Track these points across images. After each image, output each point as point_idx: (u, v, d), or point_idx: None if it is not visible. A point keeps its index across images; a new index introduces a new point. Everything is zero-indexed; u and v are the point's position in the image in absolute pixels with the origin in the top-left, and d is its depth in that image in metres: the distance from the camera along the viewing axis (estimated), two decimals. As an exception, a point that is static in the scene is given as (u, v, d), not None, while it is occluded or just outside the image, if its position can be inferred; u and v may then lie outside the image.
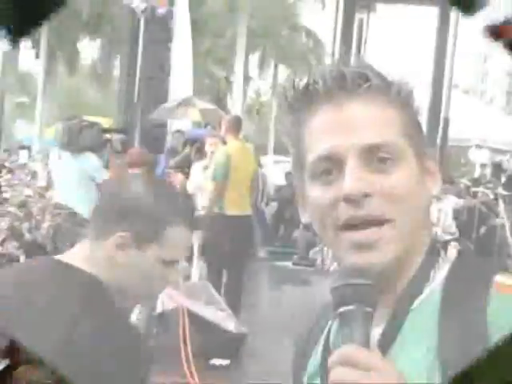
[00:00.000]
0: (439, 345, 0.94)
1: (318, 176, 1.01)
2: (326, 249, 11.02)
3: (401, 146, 1.00)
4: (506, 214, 10.44)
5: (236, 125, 7.04)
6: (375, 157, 0.98)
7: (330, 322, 1.11)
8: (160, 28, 11.80)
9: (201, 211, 6.89)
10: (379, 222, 0.98)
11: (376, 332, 0.97)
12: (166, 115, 11.85)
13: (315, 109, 1.01)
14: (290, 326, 7.50)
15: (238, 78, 27.53)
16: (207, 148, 7.62)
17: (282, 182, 14.43)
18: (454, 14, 13.79)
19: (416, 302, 1.00)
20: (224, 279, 7.04)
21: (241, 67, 27.18)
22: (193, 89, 16.18)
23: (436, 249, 1.05)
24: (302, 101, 1.03)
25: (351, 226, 0.98)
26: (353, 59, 1.04)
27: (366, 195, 0.96)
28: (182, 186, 6.24)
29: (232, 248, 6.71)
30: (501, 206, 10.20)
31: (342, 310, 0.88)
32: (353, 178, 0.96)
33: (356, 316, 0.87)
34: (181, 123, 13.11)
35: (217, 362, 5.73)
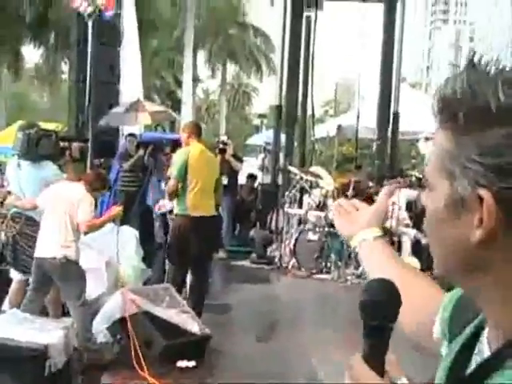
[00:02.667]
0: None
1: None
2: (283, 246, 11.10)
3: None
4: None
5: (197, 129, 7.17)
6: None
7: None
8: (108, 31, 11.70)
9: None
10: None
11: (485, 351, 0.97)
12: (116, 121, 11.75)
13: None
14: (253, 325, 7.57)
15: (186, 78, 27.44)
16: None
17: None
18: (399, 9, 14.04)
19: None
20: (188, 281, 7.06)
21: (189, 67, 27.09)
22: (143, 91, 16.10)
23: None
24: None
25: None
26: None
27: None
28: (117, 218, 6.32)
29: (197, 249, 6.73)
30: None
31: (371, 323, 0.95)
32: None
33: (375, 330, 0.94)
34: (132, 126, 13.03)
35: (183, 363, 5.74)
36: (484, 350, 0.98)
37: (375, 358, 0.92)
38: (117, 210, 6.26)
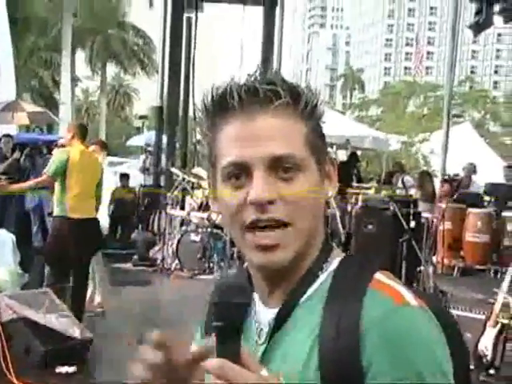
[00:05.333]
0: (320, 329, 1.07)
1: (228, 179, 1.12)
2: (165, 248, 11.05)
3: (304, 156, 1.11)
4: (335, 203, 10.97)
5: (81, 131, 7.04)
6: (280, 166, 1.09)
7: None
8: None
9: None
10: (282, 225, 1.09)
11: (271, 312, 1.15)
12: (-10, 121, 11.34)
13: (230, 117, 1.11)
14: (135, 328, 7.47)
15: (64, 79, 26.73)
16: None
17: (117, 184, 14.26)
18: (278, 13, 14.26)
19: (309, 290, 1.14)
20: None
21: (67, 67, 26.41)
22: (18, 91, 15.58)
23: (328, 245, 1.19)
24: (218, 108, 1.12)
25: (257, 226, 1.09)
26: (268, 73, 1.13)
27: (271, 202, 1.08)
28: None
29: (77, 252, 6.62)
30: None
31: (216, 324, 0.95)
32: (259, 186, 1.07)
33: (228, 331, 0.94)
34: (7, 127, 12.60)
35: (63, 369, 5.61)
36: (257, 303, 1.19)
37: (232, 359, 0.92)
38: None
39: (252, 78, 1.11)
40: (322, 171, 1.15)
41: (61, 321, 6.03)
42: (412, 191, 12.44)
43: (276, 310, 1.14)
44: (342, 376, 1.02)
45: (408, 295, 1.08)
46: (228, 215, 1.13)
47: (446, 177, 13.30)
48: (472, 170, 13.76)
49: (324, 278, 1.14)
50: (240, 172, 1.10)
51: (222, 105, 1.11)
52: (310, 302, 1.12)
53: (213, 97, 1.13)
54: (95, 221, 7.15)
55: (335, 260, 1.17)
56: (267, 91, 1.09)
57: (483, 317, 6.10)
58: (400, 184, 13.32)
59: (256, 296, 1.19)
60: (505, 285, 5.86)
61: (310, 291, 1.13)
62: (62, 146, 8.33)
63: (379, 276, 1.11)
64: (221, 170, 1.13)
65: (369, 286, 1.08)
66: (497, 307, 5.76)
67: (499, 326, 5.68)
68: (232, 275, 1.34)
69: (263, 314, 1.17)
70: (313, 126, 1.14)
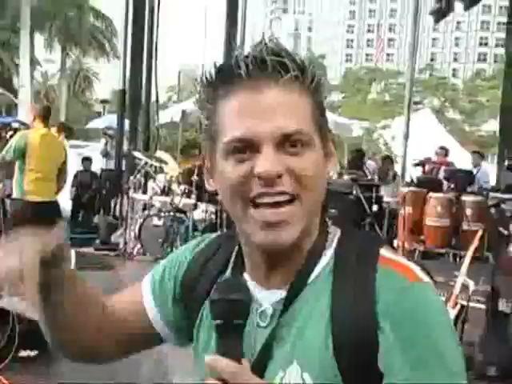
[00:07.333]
0: (332, 312, 1.06)
1: (231, 153, 1.07)
2: (128, 232, 10.98)
3: (311, 131, 1.08)
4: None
5: (44, 113, 6.95)
6: (288, 141, 1.05)
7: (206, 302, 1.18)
8: None
9: None
10: (289, 199, 1.06)
11: (273, 293, 1.12)
12: None
13: (235, 90, 1.06)
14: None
15: (23, 61, 26.31)
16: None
17: (79, 167, 14.12)
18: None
19: (316, 270, 1.11)
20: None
21: (26, 49, 25.99)
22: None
23: (326, 226, 1.16)
24: (223, 79, 1.08)
25: (262, 203, 1.05)
26: (273, 45, 1.07)
27: (279, 176, 1.04)
28: None
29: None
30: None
31: (216, 322, 0.95)
32: (268, 160, 1.03)
33: (228, 329, 0.95)
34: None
35: (25, 353, 5.57)
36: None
37: (232, 358, 0.92)
38: None
39: (258, 49, 1.06)
40: (325, 149, 1.12)
41: (22, 303, 5.97)
42: (374, 176, 12.57)
43: (279, 292, 1.12)
44: (358, 361, 1.02)
45: (418, 270, 1.08)
46: (229, 190, 1.08)
47: (417, 161, 13.45)
48: (444, 154, 14.06)
49: (329, 256, 1.12)
50: (245, 146, 1.05)
51: (228, 75, 1.07)
52: (317, 282, 1.10)
53: (217, 67, 1.09)
54: (55, 203, 7.09)
55: (335, 237, 1.15)
56: (276, 63, 1.05)
57: (443, 298, 6.21)
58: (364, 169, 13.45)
59: (248, 277, 1.16)
60: (464, 267, 5.97)
61: (316, 271, 1.11)
62: (16, 129, 8.25)
63: (384, 252, 1.10)
64: (223, 144, 1.07)
65: (377, 263, 1.07)
66: (456, 289, 5.87)
67: (458, 307, 5.79)
68: (213, 247, 1.28)
69: (262, 296, 1.14)
70: (318, 102, 1.11)
